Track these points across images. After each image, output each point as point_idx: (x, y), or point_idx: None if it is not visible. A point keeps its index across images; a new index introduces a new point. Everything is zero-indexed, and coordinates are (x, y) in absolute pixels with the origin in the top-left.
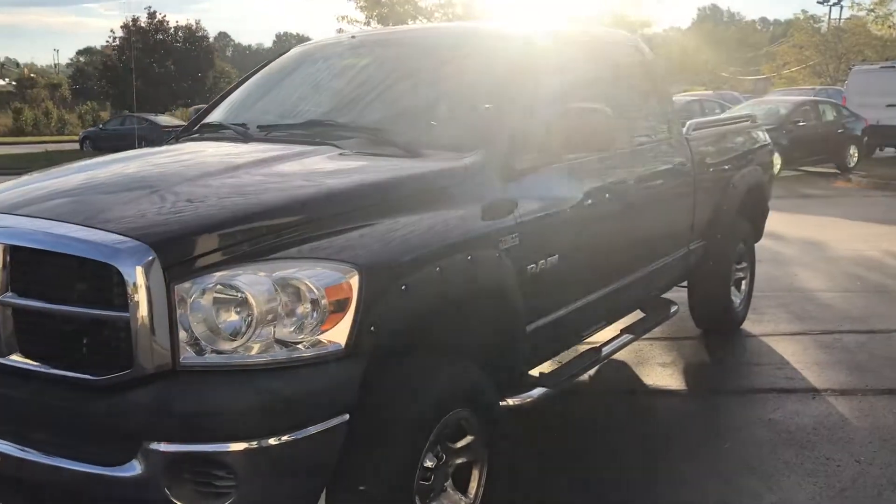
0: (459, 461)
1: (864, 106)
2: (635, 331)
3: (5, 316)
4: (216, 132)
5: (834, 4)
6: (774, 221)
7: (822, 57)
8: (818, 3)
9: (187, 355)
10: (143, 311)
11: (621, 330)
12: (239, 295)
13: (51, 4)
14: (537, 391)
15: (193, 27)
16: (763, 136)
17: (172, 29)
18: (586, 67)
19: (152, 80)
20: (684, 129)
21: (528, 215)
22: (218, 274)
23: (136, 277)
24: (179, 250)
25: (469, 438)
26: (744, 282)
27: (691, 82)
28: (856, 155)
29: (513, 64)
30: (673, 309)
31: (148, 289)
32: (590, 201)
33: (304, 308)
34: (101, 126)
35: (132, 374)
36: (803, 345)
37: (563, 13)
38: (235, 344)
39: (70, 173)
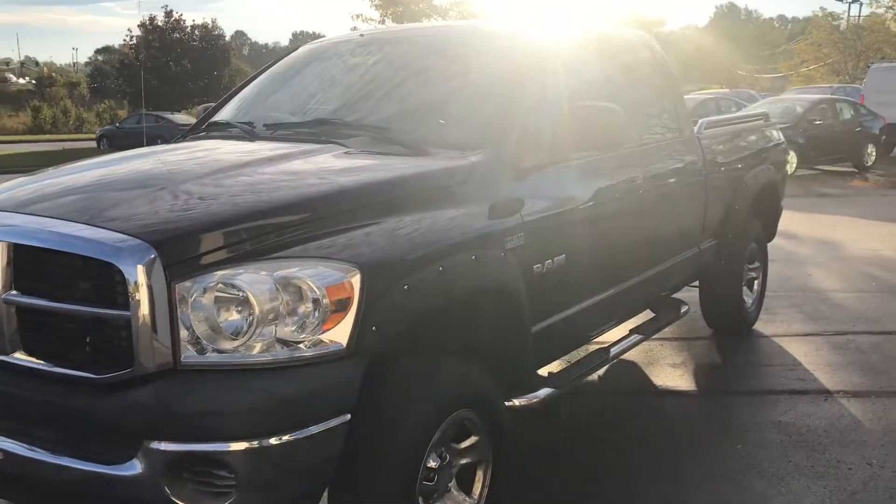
0: (464, 462)
1: (883, 104)
2: (645, 331)
3: (9, 314)
4: (223, 131)
5: (853, 2)
6: (789, 220)
7: (841, 55)
8: (837, 0)
9: (188, 354)
10: (144, 309)
11: (630, 330)
12: (240, 294)
13: (70, 4)
14: (544, 391)
15: (210, 26)
16: (777, 135)
17: (189, 28)
18: (595, 65)
19: (169, 79)
20: (696, 128)
21: (534, 214)
22: (219, 273)
23: (138, 276)
24: (181, 249)
25: (473, 439)
26: (756, 282)
27: (707, 80)
28: (873, 154)
29: (519, 62)
30: (683, 309)
31: (149, 287)
32: (598, 200)
33: (305, 307)
34: (117, 124)
35: (133, 372)
36: (816, 346)
37: (578, 12)
38: (237, 343)
39: (73, 172)
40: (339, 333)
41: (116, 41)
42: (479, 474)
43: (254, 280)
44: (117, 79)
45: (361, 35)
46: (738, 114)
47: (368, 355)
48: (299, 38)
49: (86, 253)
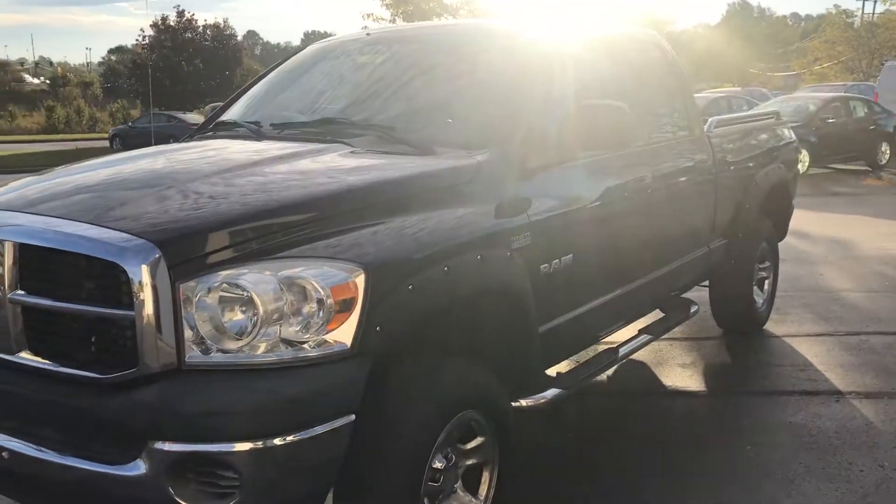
0: (470, 462)
1: None
2: (654, 331)
3: (15, 313)
4: (230, 130)
5: None
6: (801, 219)
7: (855, 52)
8: None
9: (193, 354)
10: (148, 309)
11: (640, 330)
12: (244, 294)
13: (84, 4)
14: (551, 392)
15: (222, 25)
16: (788, 133)
17: (201, 27)
18: (604, 64)
19: (181, 79)
20: (706, 127)
21: (541, 214)
22: (223, 273)
23: (142, 276)
24: (185, 249)
25: (480, 440)
26: (767, 281)
27: (719, 79)
28: (887, 152)
29: (526, 61)
30: (693, 309)
31: (153, 287)
32: (606, 200)
33: (309, 307)
34: (130, 124)
35: (137, 372)
36: (827, 346)
37: (588, 10)
38: (241, 343)
39: (79, 172)
40: (344, 333)
41: (129, 41)
42: (486, 475)
43: (258, 280)
44: (129, 78)
45: (368, 34)
46: (749, 112)
47: (373, 355)
48: (311, 38)
49: (90, 253)
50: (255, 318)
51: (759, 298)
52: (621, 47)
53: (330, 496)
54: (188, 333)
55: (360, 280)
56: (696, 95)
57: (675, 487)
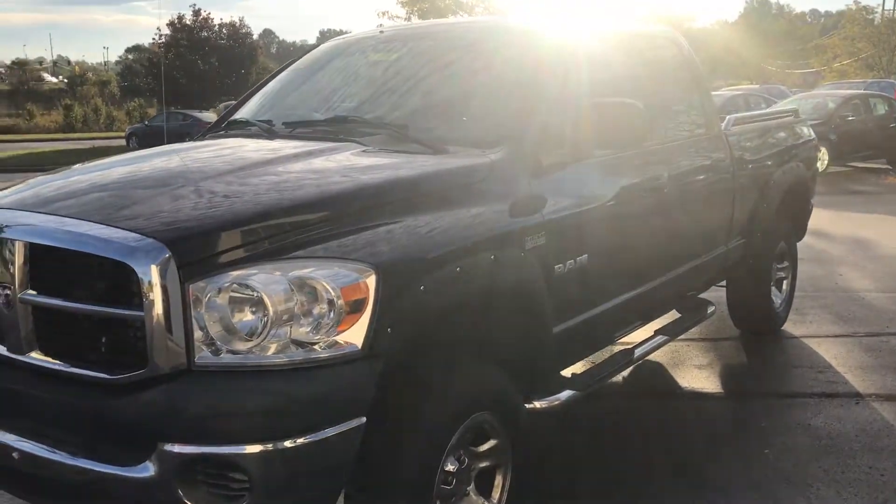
0: (482, 465)
1: None
2: (670, 332)
3: (25, 313)
4: (242, 129)
5: None
6: (819, 219)
7: (875, 49)
8: None
9: (202, 355)
10: (158, 310)
11: (656, 331)
12: (254, 294)
13: (101, 3)
14: (565, 394)
15: (237, 24)
16: (807, 132)
17: (217, 26)
18: (620, 62)
19: (197, 77)
20: (723, 125)
21: (555, 213)
22: (233, 273)
23: (151, 276)
24: (196, 248)
25: (492, 442)
26: (785, 281)
27: (737, 76)
28: None
29: (540, 59)
30: (710, 309)
31: (163, 287)
32: (622, 198)
33: (320, 308)
34: (146, 122)
35: (147, 373)
36: (847, 347)
37: (606, 8)
38: (251, 344)
39: (90, 171)
40: (355, 335)
41: (147, 40)
42: (499, 478)
43: (268, 280)
44: (146, 77)
45: (382, 31)
46: (767, 110)
47: (384, 357)
48: (326, 36)
49: (100, 253)
50: (266, 318)
51: (778, 299)
52: (637, 44)
53: (341, 498)
54: (198, 334)
55: (371, 281)
56: (713, 93)
57: (691, 492)
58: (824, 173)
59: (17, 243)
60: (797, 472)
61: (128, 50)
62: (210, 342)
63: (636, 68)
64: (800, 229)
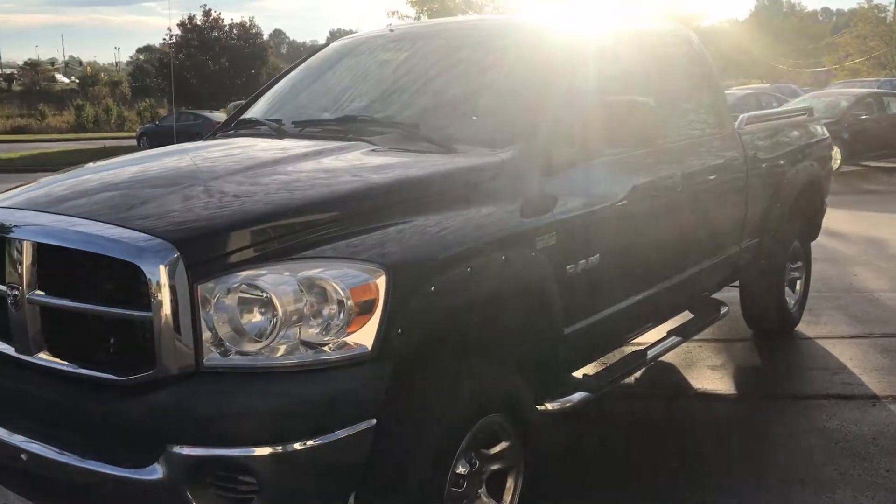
0: (494, 468)
1: None
2: (683, 333)
3: (34, 314)
4: (252, 128)
5: None
6: (833, 218)
7: (888, 47)
8: None
9: (211, 356)
10: (166, 310)
11: (669, 332)
12: (263, 295)
13: (112, 4)
14: (577, 395)
15: (248, 24)
16: (821, 130)
17: (227, 26)
18: (632, 60)
19: (207, 77)
20: (737, 123)
21: (567, 213)
22: (242, 273)
23: (160, 276)
24: (204, 248)
25: (504, 444)
26: (799, 282)
27: (747, 75)
28: None
29: (551, 57)
30: (723, 310)
31: (171, 288)
32: (634, 198)
33: (329, 309)
34: (157, 122)
35: (155, 374)
36: (862, 349)
37: (616, 5)
38: (260, 345)
39: (99, 170)
40: (365, 336)
41: (157, 40)
42: (510, 481)
43: (277, 281)
44: (157, 77)
45: (392, 30)
46: (781, 109)
47: (394, 358)
48: (336, 36)
49: (108, 253)
50: (275, 319)
51: (791, 299)
52: (649, 42)
53: (351, 501)
54: (206, 335)
55: (382, 281)
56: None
57: (704, 494)
58: (837, 172)
59: (25, 243)
60: (812, 475)
61: (139, 50)
62: (219, 343)
63: (648, 66)
64: (814, 229)
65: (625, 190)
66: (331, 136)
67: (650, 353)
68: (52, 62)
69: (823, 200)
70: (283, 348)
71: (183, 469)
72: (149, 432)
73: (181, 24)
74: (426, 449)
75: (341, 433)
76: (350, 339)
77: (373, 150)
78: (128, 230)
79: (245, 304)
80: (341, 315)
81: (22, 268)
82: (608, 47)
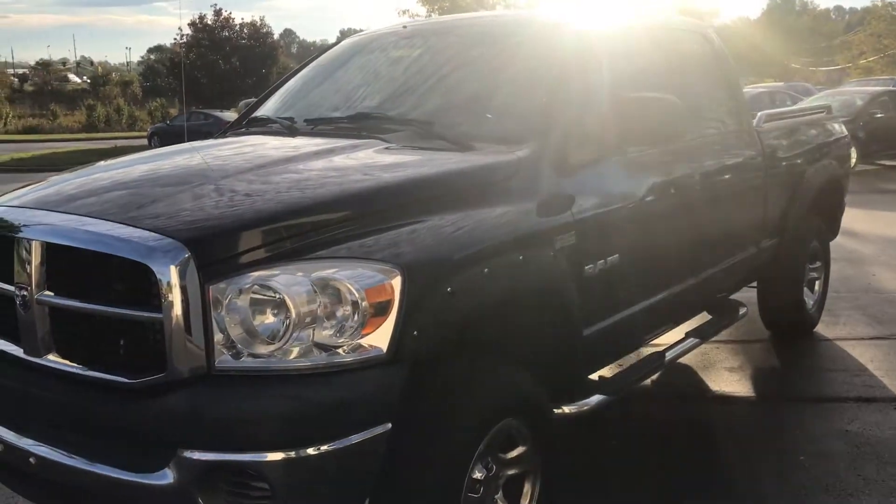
0: (511, 472)
1: None
2: (702, 334)
3: (42, 315)
4: (263, 126)
5: None
6: (849, 218)
7: None
8: None
9: (223, 359)
10: (177, 311)
11: (686, 333)
12: (276, 296)
13: (123, 4)
14: (595, 398)
15: (258, 24)
16: (839, 129)
17: (238, 26)
18: (650, 56)
19: (218, 77)
20: (755, 121)
21: (585, 212)
22: (254, 274)
23: (170, 277)
24: (215, 248)
25: (521, 449)
26: (817, 282)
27: (760, 74)
28: None
29: (568, 52)
30: (742, 311)
31: (182, 289)
32: (653, 197)
33: (344, 310)
34: (168, 122)
35: (166, 377)
36: (883, 350)
37: (630, 2)
38: (273, 347)
39: (109, 169)
40: (380, 338)
41: (168, 40)
42: (527, 486)
43: (290, 281)
44: (168, 77)
45: (404, 27)
46: (800, 106)
47: (410, 361)
48: (346, 35)
49: (117, 253)
50: (288, 321)
51: (810, 300)
52: (667, 38)
53: None
54: (218, 337)
55: (397, 282)
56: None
57: (725, 500)
58: (852, 171)
59: (34, 243)
60: (835, 480)
61: (150, 50)
62: (231, 345)
63: (666, 63)
64: (833, 228)
65: (644, 189)
66: (344, 133)
67: (668, 355)
68: (64, 62)
69: (842, 199)
70: (296, 350)
71: (194, 474)
72: (159, 436)
73: (192, 24)
74: (443, 454)
75: (356, 438)
76: (365, 342)
77: (386, 148)
78: (138, 230)
79: (257, 306)
80: (356, 316)
81: (31, 268)
82: (626, 42)
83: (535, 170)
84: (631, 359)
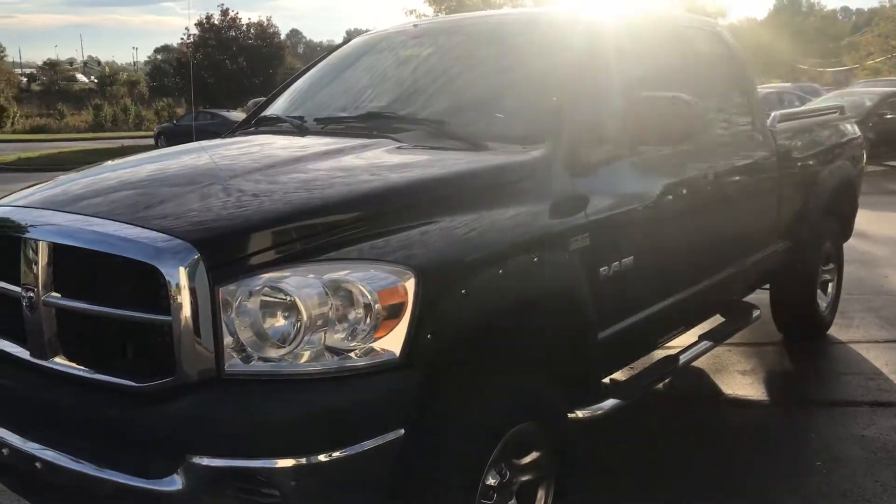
0: (525, 478)
1: None
2: (715, 337)
3: (49, 316)
4: (273, 125)
5: None
6: (859, 219)
7: None
8: None
9: (233, 363)
10: (186, 314)
11: (700, 336)
12: (287, 298)
13: (131, 4)
14: (609, 403)
15: (265, 24)
16: (852, 129)
17: (244, 26)
18: (662, 54)
19: (224, 77)
20: (768, 121)
21: (600, 213)
22: (265, 276)
23: (179, 278)
24: (225, 250)
25: (535, 454)
26: (830, 284)
27: (767, 75)
28: None
29: (583, 50)
30: (756, 313)
31: (191, 291)
32: (669, 197)
33: (356, 313)
34: (174, 122)
35: (175, 381)
36: None
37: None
38: (283, 351)
39: (117, 169)
40: (393, 341)
41: (175, 40)
42: (541, 493)
43: (301, 283)
44: (175, 77)
45: (415, 25)
46: (813, 107)
47: (424, 365)
48: (353, 35)
49: (125, 254)
50: (299, 324)
51: (823, 302)
52: (681, 36)
53: None
54: (228, 340)
55: (411, 284)
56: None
57: None
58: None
59: (40, 244)
60: (853, 486)
61: (156, 50)
62: (240, 349)
63: (681, 61)
64: (846, 230)
65: (659, 189)
66: (355, 133)
67: (682, 358)
68: (71, 62)
69: (856, 201)
70: (307, 354)
71: (203, 480)
72: (168, 441)
73: (199, 24)
74: (457, 460)
75: (368, 444)
76: (377, 345)
77: (398, 148)
78: (146, 230)
79: (268, 308)
80: (368, 319)
81: (37, 268)
82: (641, 41)
83: (549, 170)
84: (643, 362)
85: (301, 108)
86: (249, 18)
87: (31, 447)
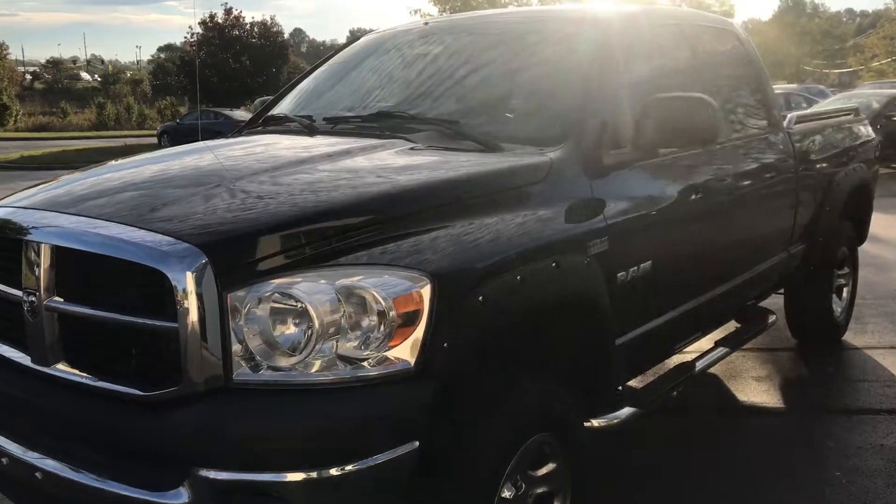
0: (540, 490)
1: None
2: (731, 343)
3: (51, 321)
4: (281, 125)
5: None
6: (871, 222)
7: None
8: None
9: (241, 371)
10: (193, 320)
11: (716, 342)
12: (298, 305)
13: (134, 3)
14: (626, 411)
15: (269, 23)
16: (867, 131)
17: (248, 25)
18: (682, 54)
19: (228, 76)
20: (785, 122)
21: (618, 216)
22: (275, 281)
23: (186, 284)
24: (234, 254)
25: (551, 465)
26: (845, 289)
27: (772, 76)
28: None
29: (600, 50)
30: (771, 319)
31: (199, 296)
32: (687, 201)
33: (369, 321)
34: (178, 121)
35: (181, 390)
36: None
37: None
38: (294, 360)
39: (122, 169)
40: (407, 350)
41: (179, 39)
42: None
43: (313, 290)
44: (178, 76)
45: (426, 23)
46: (829, 108)
47: (439, 375)
48: (357, 35)
49: (129, 258)
50: (310, 331)
51: (838, 307)
52: (698, 35)
53: None
54: (236, 348)
55: (426, 290)
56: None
57: None
58: None
59: (42, 246)
60: (874, 498)
61: (160, 49)
62: (249, 357)
63: (700, 61)
64: (861, 234)
65: (677, 192)
66: (365, 133)
67: (699, 365)
68: (74, 60)
69: (871, 204)
70: (318, 363)
71: (211, 494)
72: (174, 453)
73: (202, 23)
74: (472, 473)
75: (381, 457)
76: (391, 354)
77: (411, 149)
78: (151, 233)
79: (278, 315)
80: (382, 327)
81: (39, 272)
82: (658, 40)
83: (566, 172)
84: (658, 369)
85: (310, 107)
86: (253, 17)
87: (31, 456)
